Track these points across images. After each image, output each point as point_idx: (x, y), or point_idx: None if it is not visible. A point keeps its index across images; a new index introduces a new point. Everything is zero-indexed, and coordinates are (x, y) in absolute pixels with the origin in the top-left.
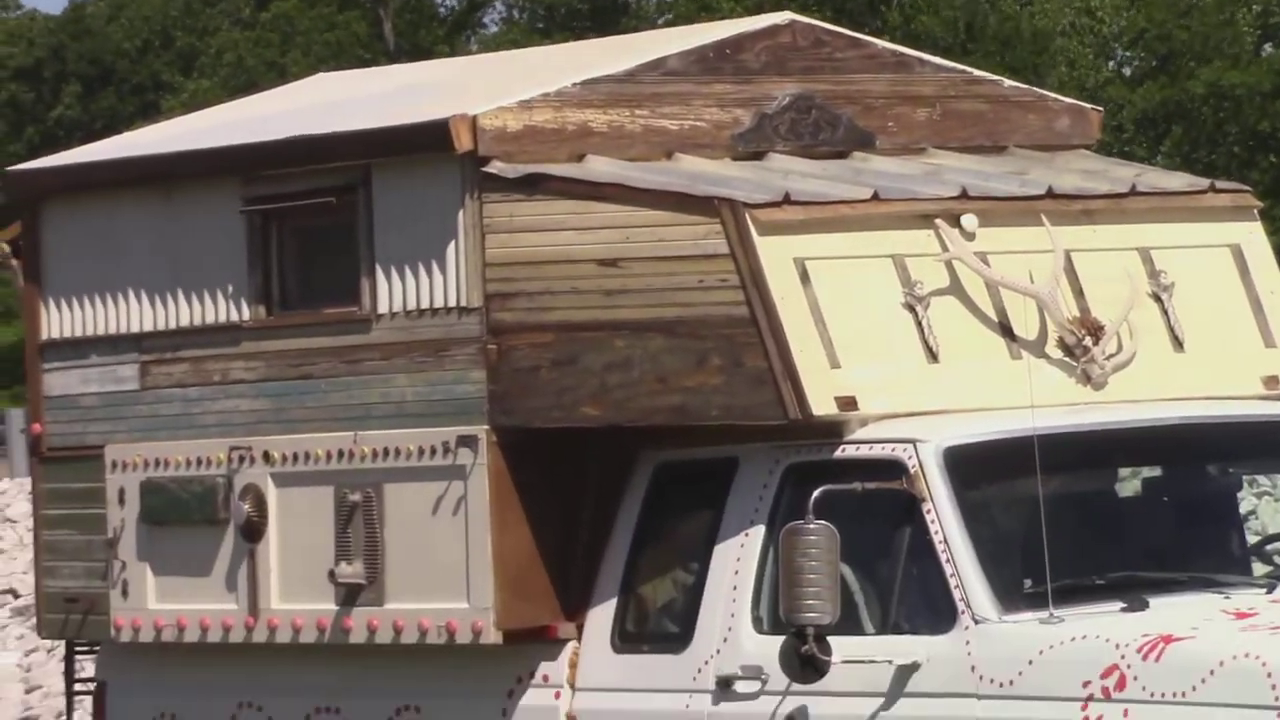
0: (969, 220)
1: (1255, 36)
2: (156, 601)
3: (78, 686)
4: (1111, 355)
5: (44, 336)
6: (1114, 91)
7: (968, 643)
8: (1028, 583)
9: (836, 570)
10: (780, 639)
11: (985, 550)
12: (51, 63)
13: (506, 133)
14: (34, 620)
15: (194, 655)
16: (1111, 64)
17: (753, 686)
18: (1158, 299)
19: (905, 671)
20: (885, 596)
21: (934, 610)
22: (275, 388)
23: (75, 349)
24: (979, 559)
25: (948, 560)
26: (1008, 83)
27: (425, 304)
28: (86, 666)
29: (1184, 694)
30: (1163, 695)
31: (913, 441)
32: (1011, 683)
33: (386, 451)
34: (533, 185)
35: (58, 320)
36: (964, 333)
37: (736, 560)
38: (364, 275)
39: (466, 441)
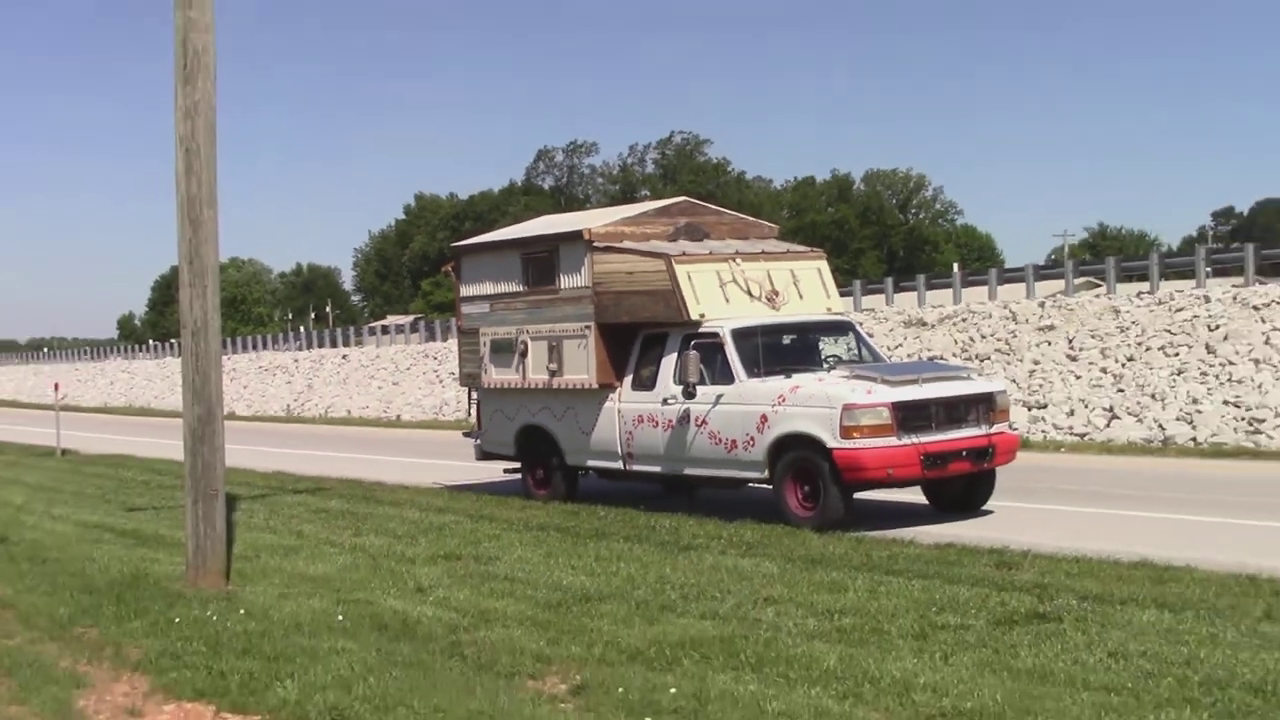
0: (740, 260)
1: (833, 196)
2: (495, 375)
3: (471, 406)
4: (783, 302)
5: (460, 295)
6: (784, 222)
7: (739, 387)
8: (757, 369)
9: (698, 367)
10: (681, 386)
11: (744, 359)
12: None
13: (600, 232)
14: (457, 379)
15: (506, 393)
16: (784, 212)
17: (674, 401)
18: (795, 285)
19: (720, 396)
20: (712, 373)
21: (728, 377)
22: (530, 312)
23: (470, 301)
24: (741, 361)
25: (733, 363)
26: (751, 218)
27: (576, 285)
28: (473, 397)
29: (803, 402)
30: (797, 403)
31: (722, 327)
32: (753, 398)
33: (565, 331)
34: (607, 249)
35: (466, 291)
36: (738, 297)
37: (670, 364)
38: (557, 275)
39: (587, 328)
